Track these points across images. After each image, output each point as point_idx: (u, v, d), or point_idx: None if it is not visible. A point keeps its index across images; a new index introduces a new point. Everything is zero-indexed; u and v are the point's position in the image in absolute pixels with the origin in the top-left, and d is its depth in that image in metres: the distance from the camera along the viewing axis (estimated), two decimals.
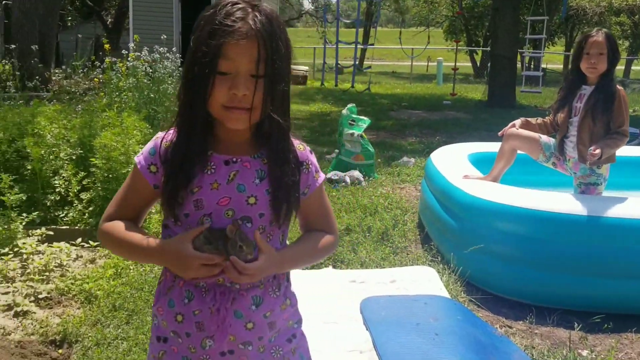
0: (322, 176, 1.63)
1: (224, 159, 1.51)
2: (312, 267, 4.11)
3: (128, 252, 1.62)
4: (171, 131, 1.54)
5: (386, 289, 3.56)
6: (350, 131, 6.59)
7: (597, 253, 3.57)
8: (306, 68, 19.28)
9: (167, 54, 6.19)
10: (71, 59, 9.83)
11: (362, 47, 18.81)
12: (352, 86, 16.96)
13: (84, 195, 4.58)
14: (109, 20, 21.02)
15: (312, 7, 38.11)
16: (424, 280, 3.68)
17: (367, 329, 3.10)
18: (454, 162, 4.91)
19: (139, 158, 1.57)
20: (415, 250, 4.55)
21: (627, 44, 33.93)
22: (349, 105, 6.90)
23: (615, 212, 3.58)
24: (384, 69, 32.19)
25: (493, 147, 5.69)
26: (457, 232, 4.07)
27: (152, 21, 16.05)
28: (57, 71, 5.64)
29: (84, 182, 4.60)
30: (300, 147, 1.59)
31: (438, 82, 21.67)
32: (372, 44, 18.44)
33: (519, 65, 16.06)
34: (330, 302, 3.37)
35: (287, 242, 1.65)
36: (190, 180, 1.48)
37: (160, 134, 1.57)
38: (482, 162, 5.12)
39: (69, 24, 21.14)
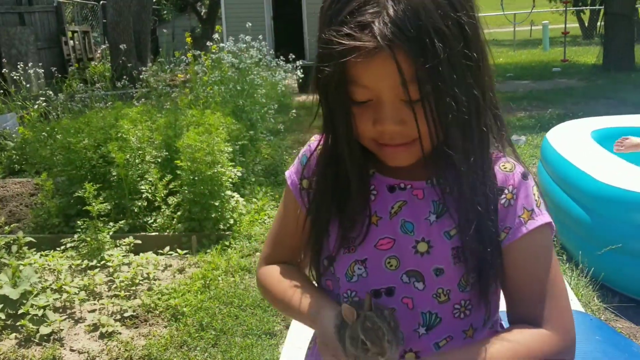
0: (539, 220, 1.01)
1: (389, 184, 1.05)
2: None
3: (286, 313, 1.19)
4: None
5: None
6: None
7: None
8: None
9: (253, 43, 5.87)
10: (168, 52, 9.82)
11: None
12: None
13: (171, 200, 4.36)
14: (203, 11, 21.20)
15: None
16: None
17: None
18: (576, 142, 4.25)
19: (289, 171, 1.16)
20: None
21: None
22: None
23: None
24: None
25: (620, 121, 4.96)
26: (588, 227, 3.46)
27: (243, 9, 15.96)
28: (143, 69, 5.47)
29: (170, 186, 4.38)
30: (506, 166, 1.04)
31: (545, 47, 20.22)
32: None
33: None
34: None
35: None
36: (342, 208, 1.04)
37: (316, 137, 1.12)
38: (609, 140, 4.43)
39: (165, 18, 21.56)
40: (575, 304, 3.02)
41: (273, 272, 1.17)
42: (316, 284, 1.15)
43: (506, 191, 1.01)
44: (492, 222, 1.00)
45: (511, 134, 5.89)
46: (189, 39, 5.28)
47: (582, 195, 3.55)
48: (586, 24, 28.31)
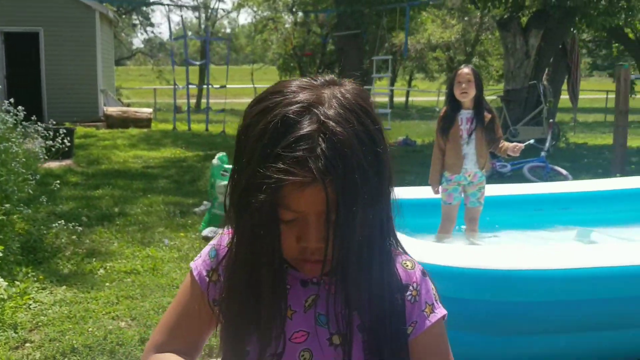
0: (439, 313, 1.15)
1: (302, 278, 1.11)
2: None
3: None
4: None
5: None
6: (223, 182, 6.12)
7: (517, 310, 3.41)
8: (150, 110, 18.31)
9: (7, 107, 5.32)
10: None
11: (212, 87, 18.14)
12: (189, 128, 16.47)
13: None
14: None
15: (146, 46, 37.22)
16: None
17: None
18: None
19: (195, 263, 1.20)
20: None
21: (444, 77, 35.75)
22: (219, 155, 6.43)
23: (534, 264, 3.43)
24: (233, 106, 31.91)
25: None
26: None
27: None
28: None
29: None
30: (407, 264, 1.17)
31: None
32: (224, 85, 17.88)
33: None
34: None
35: None
36: (257, 318, 1.07)
37: (224, 232, 1.17)
38: None
39: None
40: None
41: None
42: None
43: (411, 288, 1.14)
44: (398, 317, 1.11)
45: None
46: None
47: None
48: None
